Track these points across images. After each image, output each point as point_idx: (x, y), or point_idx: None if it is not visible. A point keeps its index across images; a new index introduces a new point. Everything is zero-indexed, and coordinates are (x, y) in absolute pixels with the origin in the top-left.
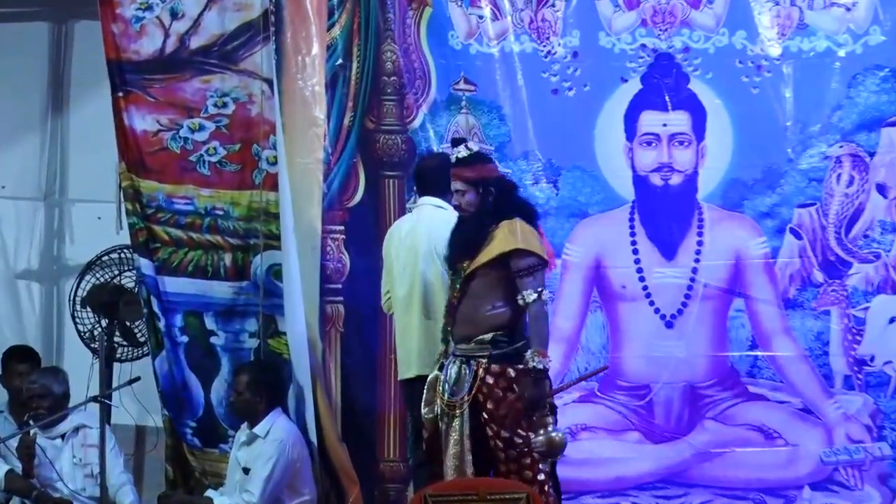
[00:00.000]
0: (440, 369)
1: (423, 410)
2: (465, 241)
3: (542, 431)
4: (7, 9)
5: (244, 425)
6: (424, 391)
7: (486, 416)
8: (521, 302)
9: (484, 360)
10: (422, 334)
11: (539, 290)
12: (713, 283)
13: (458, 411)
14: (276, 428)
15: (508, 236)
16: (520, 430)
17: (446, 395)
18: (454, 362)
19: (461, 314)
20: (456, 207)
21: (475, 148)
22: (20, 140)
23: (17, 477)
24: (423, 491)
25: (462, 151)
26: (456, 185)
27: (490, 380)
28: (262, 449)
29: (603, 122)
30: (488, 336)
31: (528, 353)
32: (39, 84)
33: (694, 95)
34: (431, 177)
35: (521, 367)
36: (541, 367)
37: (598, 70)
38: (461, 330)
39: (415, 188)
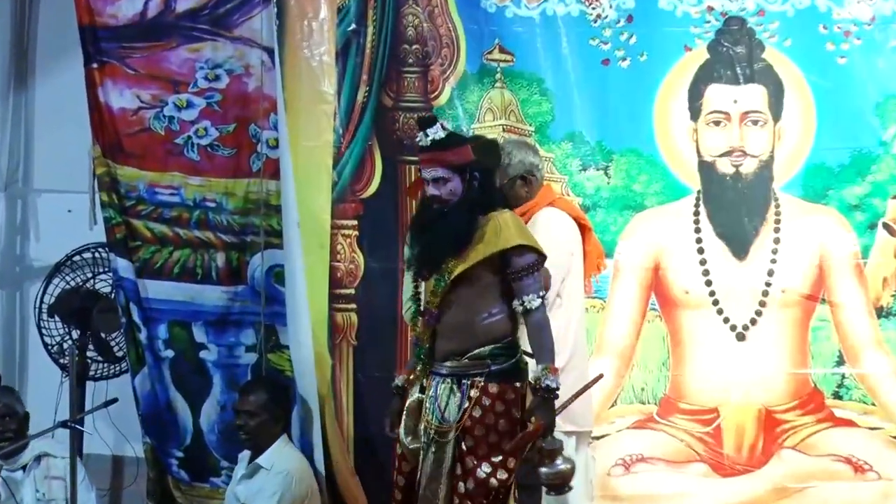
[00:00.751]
0: (420, 391)
1: (406, 440)
2: (452, 236)
3: (547, 461)
4: None
5: (243, 455)
6: (403, 418)
7: (468, 446)
8: (519, 308)
9: (480, 379)
10: None
11: (542, 293)
12: (792, 287)
13: (446, 439)
14: (281, 458)
15: (504, 230)
16: (505, 466)
17: (435, 421)
18: (442, 382)
19: (447, 325)
20: (433, 198)
21: (451, 128)
22: None
23: None
24: None
25: (439, 132)
26: (435, 171)
27: (486, 402)
28: (265, 482)
29: (663, 97)
30: (486, 350)
31: (539, 370)
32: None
33: (770, 67)
34: None
35: (518, 385)
36: (554, 385)
37: (657, 37)
38: (449, 345)
39: None
